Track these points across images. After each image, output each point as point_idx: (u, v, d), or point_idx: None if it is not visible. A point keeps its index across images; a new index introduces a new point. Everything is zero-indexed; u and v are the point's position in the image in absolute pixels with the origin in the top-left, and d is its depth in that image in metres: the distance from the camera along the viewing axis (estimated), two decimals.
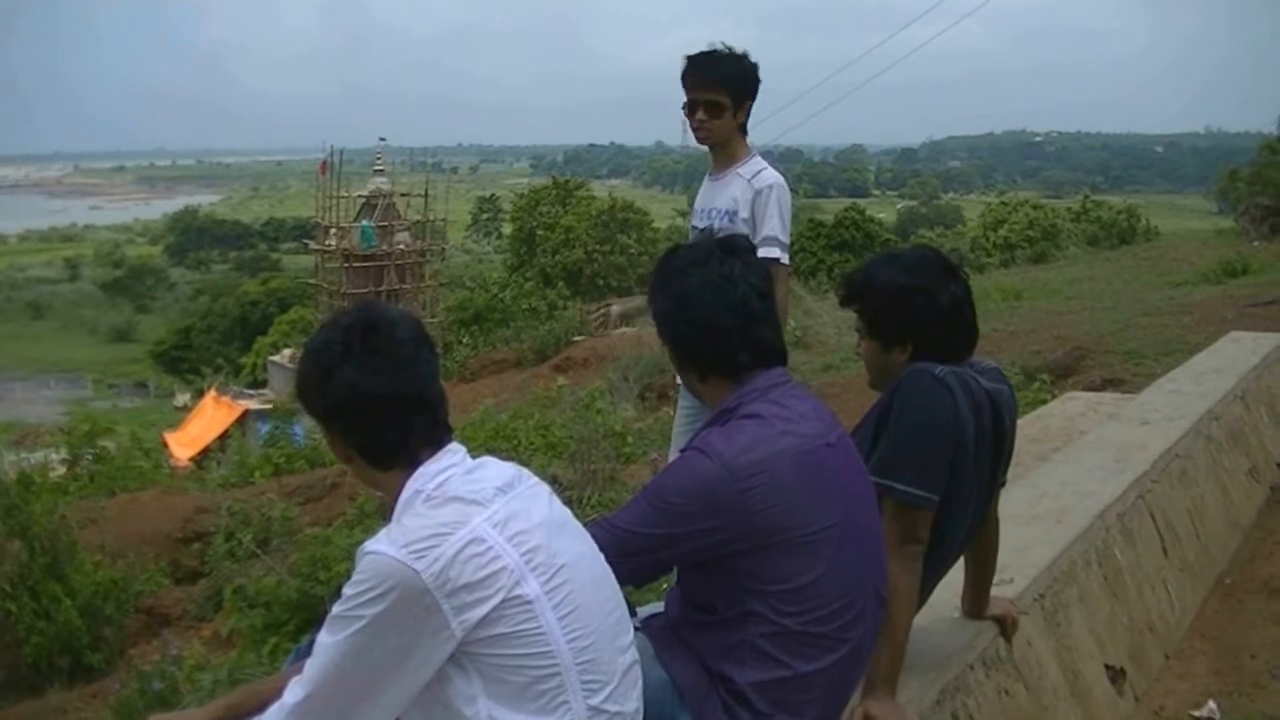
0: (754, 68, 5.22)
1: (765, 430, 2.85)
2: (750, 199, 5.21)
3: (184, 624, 11.90)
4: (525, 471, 2.58)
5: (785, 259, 5.22)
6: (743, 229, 5.20)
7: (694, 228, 5.51)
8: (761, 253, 5.12)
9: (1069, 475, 6.00)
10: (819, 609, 2.81)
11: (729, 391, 2.99)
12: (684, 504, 2.78)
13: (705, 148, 5.41)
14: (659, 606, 3.13)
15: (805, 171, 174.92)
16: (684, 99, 5.26)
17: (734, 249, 3.08)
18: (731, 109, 5.20)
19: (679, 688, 2.87)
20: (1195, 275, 21.83)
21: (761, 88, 5.31)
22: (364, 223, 44.51)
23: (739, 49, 5.22)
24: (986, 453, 3.43)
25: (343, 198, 45.17)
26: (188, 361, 64.07)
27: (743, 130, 5.32)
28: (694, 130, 5.29)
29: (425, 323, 2.68)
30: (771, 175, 5.26)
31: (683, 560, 2.88)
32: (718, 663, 2.85)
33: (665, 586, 3.19)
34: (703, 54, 5.18)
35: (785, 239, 5.23)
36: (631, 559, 2.76)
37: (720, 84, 5.17)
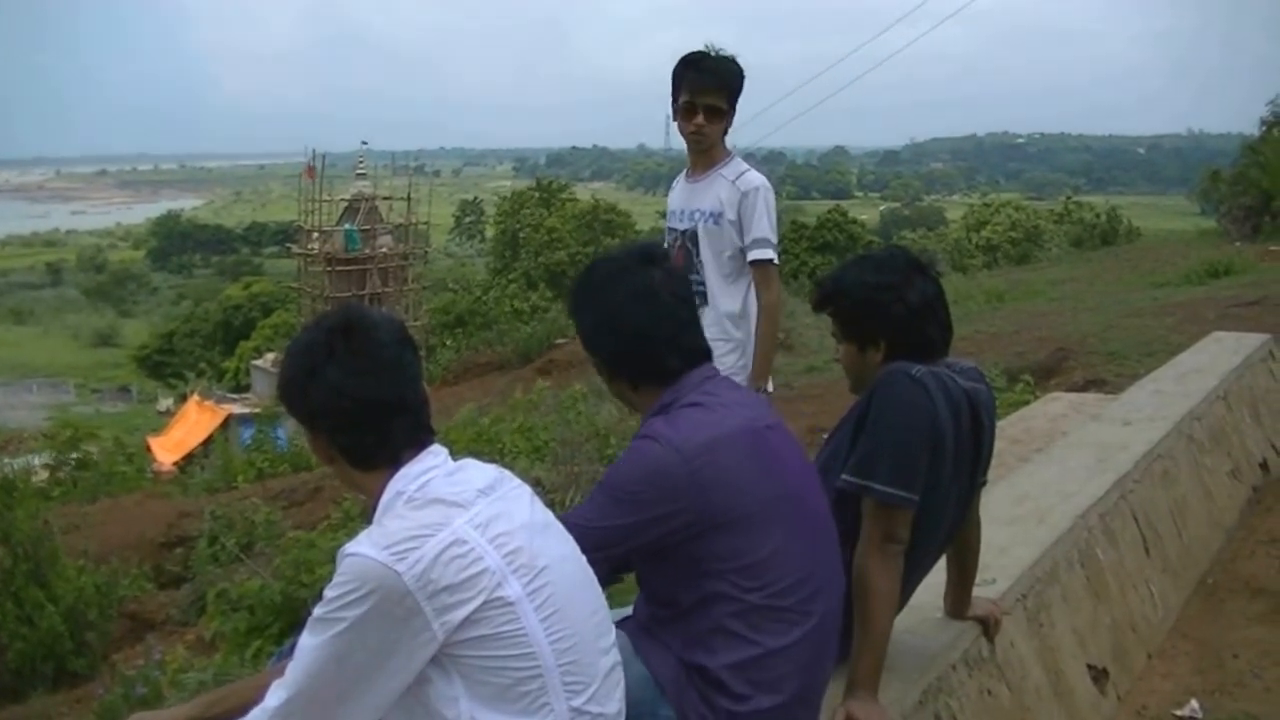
0: (741, 71, 5.24)
1: (707, 415, 2.91)
2: (737, 201, 5.22)
3: (167, 628, 11.85)
4: (507, 473, 2.58)
5: (776, 259, 5.25)
6: (729, 230, 5.23)
7: (671, 229, 5.51)
8: (754, 255, 5.20)
9: (1051, 476, 6.01)
10: (779, 581, 2.84)
11: (661, 395, 3.03)
12: (642, 490, 2.82)
13: (684, 150, 5.41)
14: (627, 611, 3.14)
15: (788, 174, 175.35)
16: (670, 100, 5.26)
17: (651, 258, 3.12)
18: (729, 113, 5.24)
19: (659, 682, 2.88)
20: (1177, 276, 21.87)
21: (744, 90, 5.32)
22: (347, 226, 44.39)
23: (726, 50, 5.24)
24: (966, 452, 3.43)
25: (325, 201, 44.98)
26: (171, 366, 63.87)
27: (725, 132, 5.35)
28: (689, 133, 5.27)
29: (408, 326, 2.68)
30: (756, 177, 5.27)
31: (646, 549, 2.88)
32: (690, 653, 2.87)
33: (634, 598, 3.20)
34: (703, 56, 5.18)
35: (775, 239, 5.26)
36: (597, 554, 2.75)
37: (724, 89, 5.20)
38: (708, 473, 2.80)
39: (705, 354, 3.11)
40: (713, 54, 5.18)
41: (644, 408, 3.08)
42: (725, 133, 5.33)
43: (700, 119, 5.19)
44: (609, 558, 2.80)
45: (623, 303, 3.04)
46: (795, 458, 3.06)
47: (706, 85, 5.16)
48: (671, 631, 2.92)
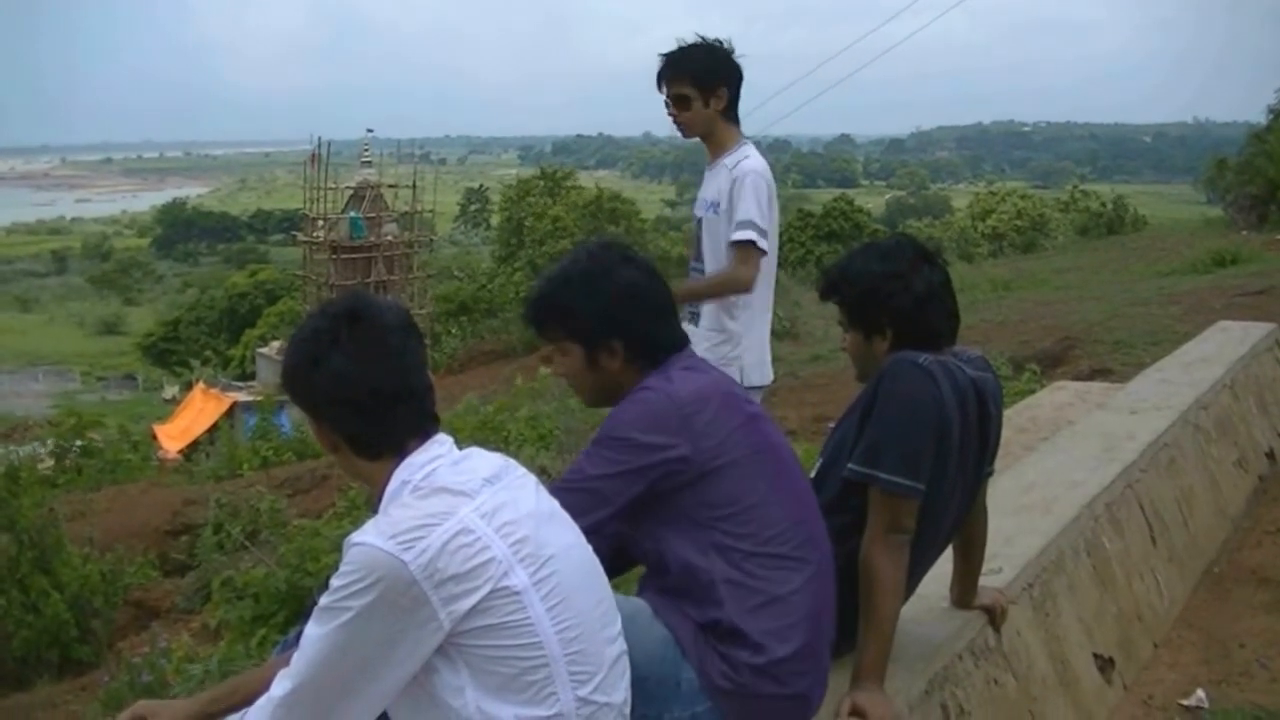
0: (723, 54, 5.18)
1: (697, 375, 3.07)
2: (729, 189, 5.18)
3: (172, 616, 11.87)
4: (513, 462, 2.58)
5: (762, 243, 5.14)
6: (724, 220, 5.21)
7: (694, 217, 5.55)
8: (734, 235, 5.14)
9: (1057, 465, 6.00)
10: (770, 529, 2.92)
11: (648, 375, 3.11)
12: (639, 433, 2.92)
13: (696, 140, 5.41)
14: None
15: (793, 162, 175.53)
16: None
17: (628, 253, 3.24)
18: (700, 99, 5.17)
19: (680, 642, 2.92)
20: (1183, 265, 21.85)
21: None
22: (352, 214, 44.40)
23: (712, 38, 5.21)
24: (972, 441, 3.43)
25: (330, 189, 44.98)
26: (176, 354, 63.69)
27: (728, 118, 5.28)
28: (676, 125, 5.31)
29: (414, 314, 2.72)
30: (749, 164, 5.20)
31: (639, 505, 2.94)
32: (700, 612, 2.92)
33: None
34: (672, 50, 5.18)
35: (762, 223, 5.13)
36: (593, 516, 2.83)
37: (684, 76, 5.16)
38: (697, 419, 2.92)
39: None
40: (687, 44, 5.20)
41: (630, 386, 3.12)
42: (726, 118, 5.27)
43: (672, 109, 5.23)
44: (602, 523, 2.85)
45: (638, 277, 3.14)
46: (773, 429, 3.15)
47: (669, 76, 5.19)
48: (679, 596, 2.96)
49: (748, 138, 5.41)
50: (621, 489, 2.90)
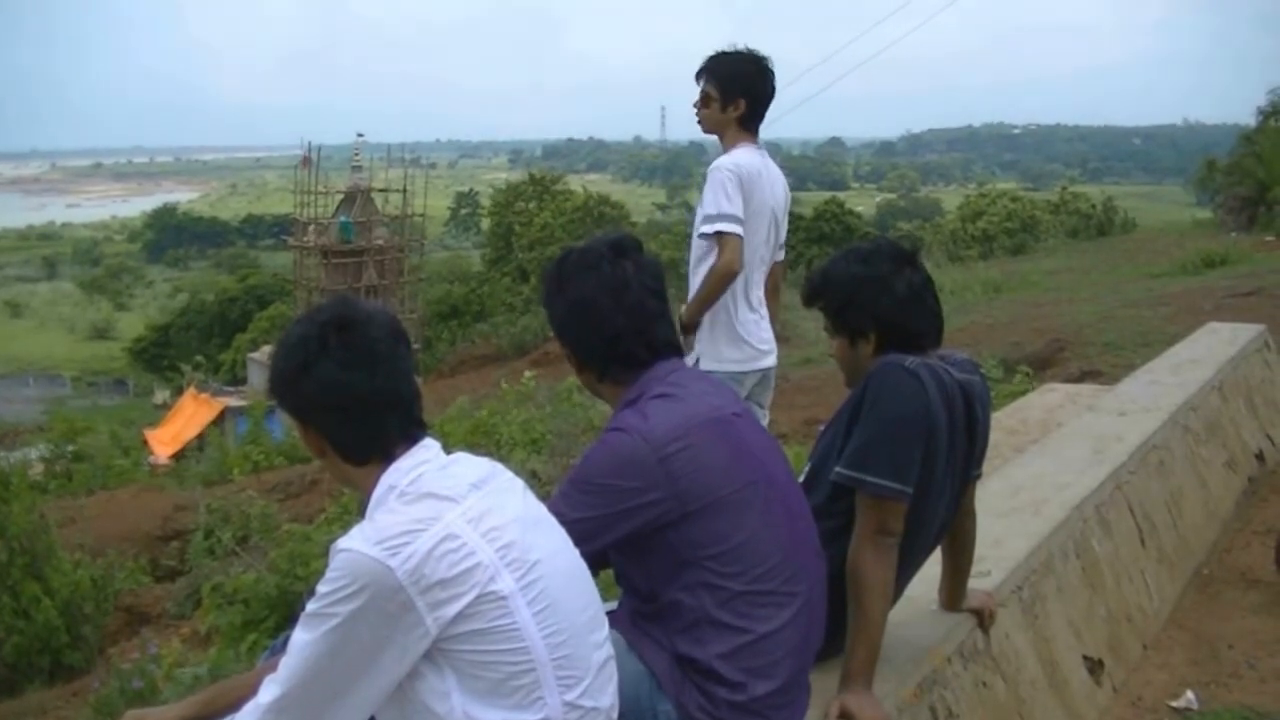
0: (752, 69, 5.40)
1: (674, 405, 2.92)
2: (702, 186, 5.34)
3: (163, 622, 11.84)
4: (499, 466, 2.58)
5: (730, 228, 5.21)
6: (696, 218, 5.38)
7: None
8: (701, 230, 5.34)
9: (1047, 467, 6.01)
10: (759, 565, 2.85)
11: (628, 386, 3.05)
12: (613, 481, 2.84)
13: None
14: (612, 605, 3.14)
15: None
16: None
17: (623, 249, 3.12)
18: (719, 102, 5.38)
19: (656, 677, 2.88)
20: (1173, 266, 21.88)
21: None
22: (342, 218, 44.42)
23: (754, 52, 5.44)
24: (960, 444, 3.43)
25: (321, 193, 44.99)
26: (167, 359, 63.53)
27: (743, 126, 5.46)
28: None
29: (404, 318, 2.70)
30: (719, 160, 5.40)
31: (622, 542, 2.89)
32: (680, 646, 2.87)
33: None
34: (717, 51, 5.44)
35: (714, 210, 5.24)
36: (580, 549, 2.74)
37: (713, 77, 5.39)
38: (677, 460, 2.81)
39: (673, 347, 3.13)
40: (728, 49, 5.44)
41: (611, 398, 3.11)
42: (742, 126, 5.45)
43: (697, 103, 5.48)
44: (585, 554, 2.74)
45: (593, 295, 3.04)
46: (763, 443, 3.08)
47: (703, 71, 5.42)
48: (659, 625, 2.92)
49: (762, 144, 5.58)
50: (602, 529, 2.84)
